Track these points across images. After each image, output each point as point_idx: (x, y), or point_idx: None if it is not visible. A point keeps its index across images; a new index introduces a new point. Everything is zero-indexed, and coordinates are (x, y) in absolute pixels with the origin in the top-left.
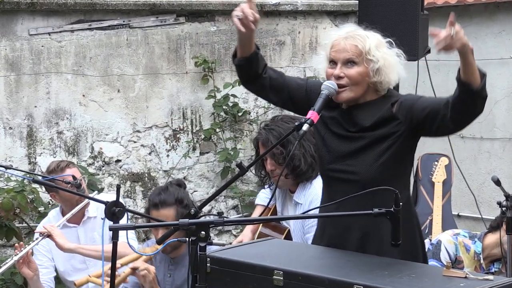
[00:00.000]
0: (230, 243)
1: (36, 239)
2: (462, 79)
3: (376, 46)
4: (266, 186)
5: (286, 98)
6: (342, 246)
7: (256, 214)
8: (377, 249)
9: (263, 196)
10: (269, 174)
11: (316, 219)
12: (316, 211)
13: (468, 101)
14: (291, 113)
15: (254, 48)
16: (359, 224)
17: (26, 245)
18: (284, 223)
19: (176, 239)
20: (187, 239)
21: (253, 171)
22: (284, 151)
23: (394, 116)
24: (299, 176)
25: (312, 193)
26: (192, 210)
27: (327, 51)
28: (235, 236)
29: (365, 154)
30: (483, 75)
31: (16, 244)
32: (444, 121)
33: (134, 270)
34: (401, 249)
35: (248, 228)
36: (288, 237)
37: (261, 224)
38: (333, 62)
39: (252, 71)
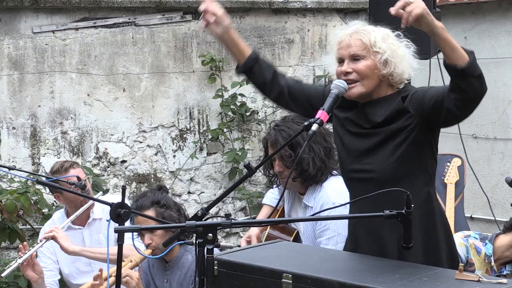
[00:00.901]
0: (239, 246)
1: (41, 241)
2: (446, 62)
3: (382, 38)
4: (274, 186)
5: (306, 105)
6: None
7: (262, 213)
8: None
9: (271, 196)
10: (277, 175)
11: (328, 222)
12: (327, 213)
13: (462, 84)
14: None
15: (248, 52)
16: (395, 234)
17: (31, 247)
18: (292, 224)
19: (181, 242)
20: (194, 241)
21: (262, 171)
22: (293, 153)
23: (405, 109)
24: (307, 179)
25: (324, 196)
26: (199, 212)
27: (334, 50)
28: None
29: (380, 150)
30: (470, 52)
31: (20, 246)
32: (450, 110)
33: None
34: (422, 247)
35: None
36: (297, 238)
37: (269, 226)
38: (341, 60)
39: (258, 77)
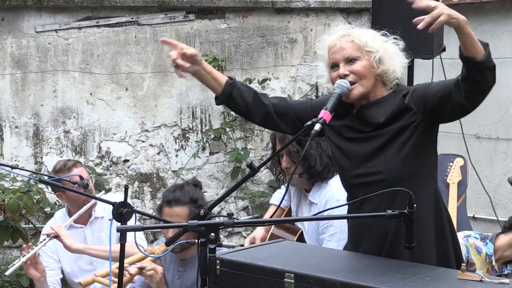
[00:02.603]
0: (242, 245)
1: (44, 240)
2: (464, 54)
3: (372, 38)
4: (281, 185)
5: (294, 121)
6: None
7: (269, 213)
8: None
9: (278, 196)
10: (284, 171)
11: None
12: (331, 212)
13: (477, 76)
14: None
15: (223, 81)
16: (392, 229)
17: (34, 246)
18: (297, 224)
19: (184, 241)
20: (197, 240)
21: (269, 168)
22: (300, 149)
23: (408, 107)
24: (314, 176)
25: (328, 193)
26: (202, 211)
27: (325, 57)
28: (245, 238)
29: (385, 150)
30: (486, 45)
31: (24, 245)
32: (458, 102)
33: (141, 270)
34: (432, 245)
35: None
36: (301, 238)
37: (273, 225)
38: (335, 65)
39: (240, 102)
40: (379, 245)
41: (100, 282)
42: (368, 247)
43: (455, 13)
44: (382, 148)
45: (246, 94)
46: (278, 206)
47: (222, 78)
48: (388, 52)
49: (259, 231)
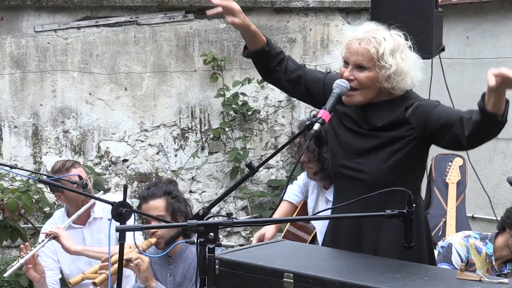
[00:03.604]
0: (242, 245)
1: (42, 241)
2: (488, 110)
3: (392, 51)
4: (304, 173)
5: (302, 91)
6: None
7: (279, 210)
8: (374, 250)
9: (289, 192)
10: (303, 164)
11: None
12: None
13: (489, 128)
14: None
15: (261, 44)
16: (350, 224)
17: (32, 247)
18: (311, 222)
19: (183, 241)
20: (195, 240)
21: (292, 154)
22: (316, 149)
23: (407, 120)
24: (328, 177)
25: None
26: (201, 211)
27: (342, 50)
28: (245, 238)
29: (375, 153)
30: (506, 102)
31: (22, 246)
32: (458, 138)
33: (128, 262)
34: (401, 253)
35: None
36: (315, 239)
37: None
38: (346, 63)
39: (262, 64)
40: (353, 240)
41: (89, 279)
42: (344, 241)
43: None
44: (372, 150)
45: (271, 62)
46: (281, 199)
47: (258, 41)
48: (400, 72)
49: (270, 229)
